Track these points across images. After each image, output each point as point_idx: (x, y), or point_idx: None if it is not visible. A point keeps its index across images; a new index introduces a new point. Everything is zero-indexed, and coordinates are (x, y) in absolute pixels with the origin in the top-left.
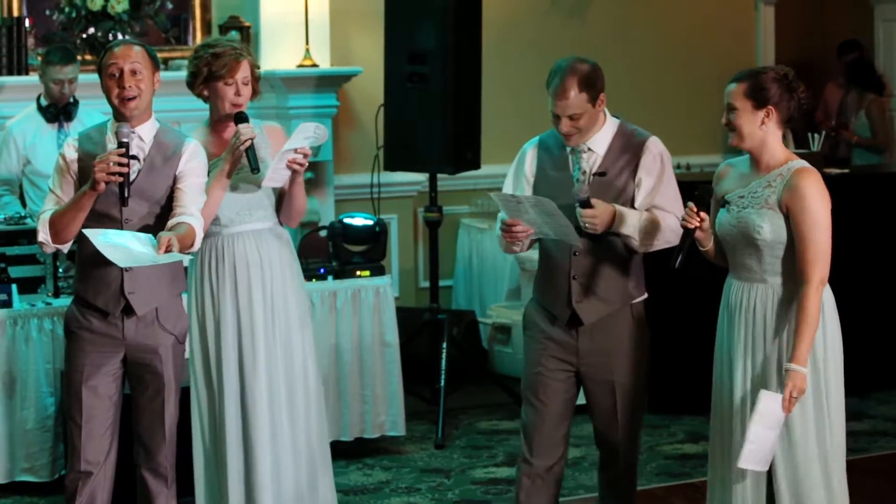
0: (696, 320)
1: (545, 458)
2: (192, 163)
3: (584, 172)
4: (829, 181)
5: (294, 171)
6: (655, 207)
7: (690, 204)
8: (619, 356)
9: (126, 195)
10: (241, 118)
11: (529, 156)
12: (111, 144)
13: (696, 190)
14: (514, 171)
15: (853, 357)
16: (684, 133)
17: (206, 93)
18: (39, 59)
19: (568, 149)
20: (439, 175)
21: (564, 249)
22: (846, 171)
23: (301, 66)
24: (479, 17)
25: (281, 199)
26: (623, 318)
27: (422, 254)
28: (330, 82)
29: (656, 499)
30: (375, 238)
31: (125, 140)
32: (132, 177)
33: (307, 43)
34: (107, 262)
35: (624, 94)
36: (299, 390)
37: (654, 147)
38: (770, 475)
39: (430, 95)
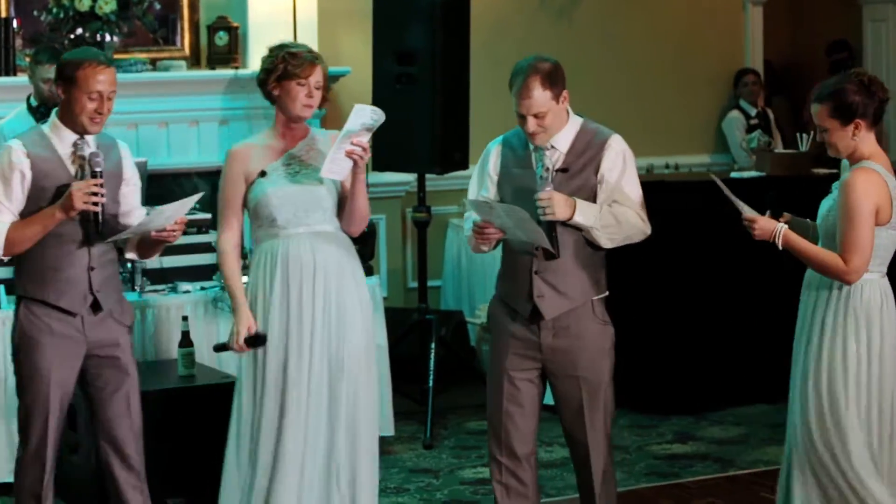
0: (684, 320)
1: (517, 454)
2: (133, 166)
3: (548, 169)
4: (818, 181)
5: (355, 163)
6: (617, 203)
7: (767, 213)
8: (582, 352)
9: (100, 226)
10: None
11: (493, 155)
12: (62, 149)
13: (766, 199)
14: (478, 171)
15: None
16: (672, 133)
17: (276, 91)
18: (28, 59)
19: (531, 147)
20: (427, 175)
21: (528, 245)
22: (835, 171)
23: None
24: (468, 17)
25: (342, 203)
26: (584, 314)
27: (410, 254)
28: None
29: (644, 499)
30: (364, 238)
31: (98, 169)
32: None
33: None
34: (71, 263)
35: (612, 94)
36: (346, 400)
37: (617, 144)
38: None
39: (419, 96)
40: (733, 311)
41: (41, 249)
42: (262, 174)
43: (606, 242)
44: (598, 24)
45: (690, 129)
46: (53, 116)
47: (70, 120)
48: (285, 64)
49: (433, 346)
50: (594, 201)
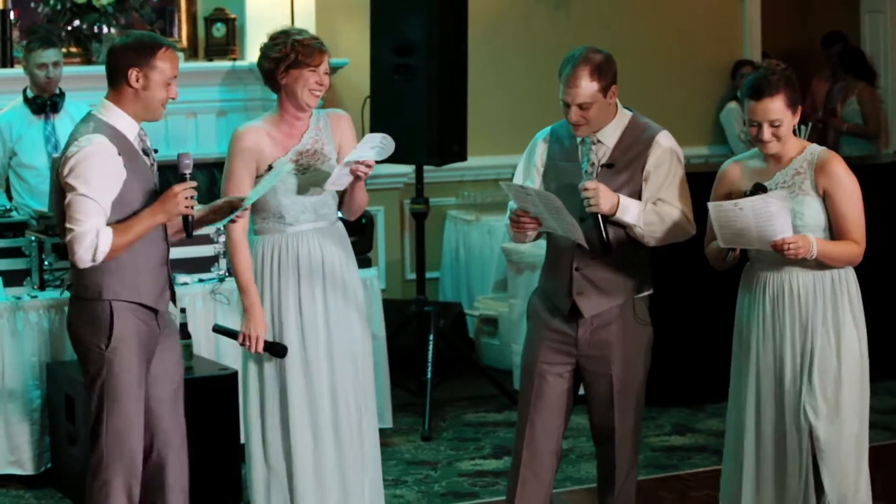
0: (681, 312)
1: (540, 448)
2: None
3: (593, 164)
4: None
5: (357, 178)
6: (662, 201)
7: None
8: (617, 350)
9: (191, 227)
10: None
11: (540, 146)
12: (133, 142)
13: (748, 191)
14: (524, 161)
15: None
16: (670, 124)
17: (284, 80)
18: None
19: (578, 139)
20: (426, 167)
21: (570, 240)
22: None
23: None
24: (466, 8)
25: (342, 195)
26: (624, 312)
27: (408, 246)
28: None
29: (643, 491)
30: (362, 230)
31: (188, 172)
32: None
33: None
34: (162, 262)
35: None
36: (356, 389)
37: (665, 141)
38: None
39: (417, 87)
40: (731, 302)
41: (142, 252)
42: (270, 168)
43: (649, 240)
44: (595, 15)
45: (688, 120)
46: (109, 104)
47: (138, 107)
48: (296, 53)
49: (431, 337)
50: (639, 198)
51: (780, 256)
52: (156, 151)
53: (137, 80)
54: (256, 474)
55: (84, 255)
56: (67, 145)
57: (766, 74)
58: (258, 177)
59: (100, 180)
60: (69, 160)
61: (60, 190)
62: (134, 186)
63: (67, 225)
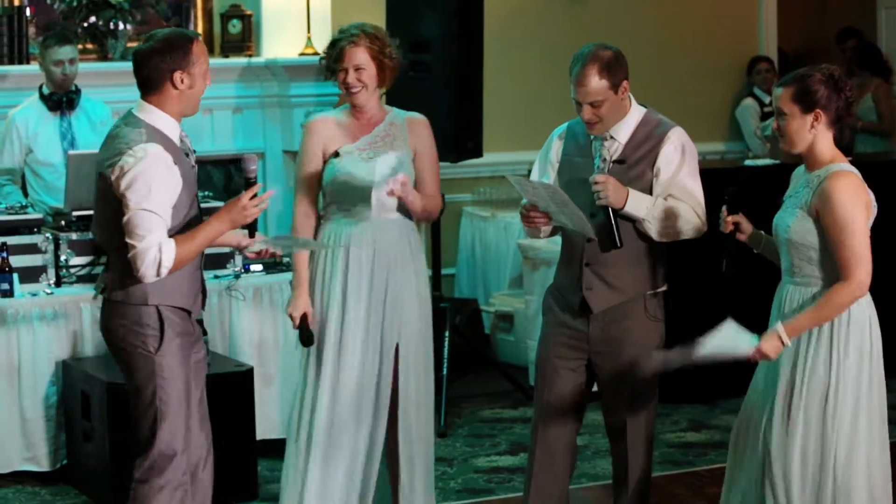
0: (696, 309)
1: (554, 444)
2: None
3: (605, 160)
4: None
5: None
6: (673, 197)
7: (724, 208)
8: (628, 346)
9: (255, 230)
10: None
11: (556, 142)
12: (178, 145)
13: (726, 194)
14: (540, 157)
15: None
16: (686, 120)
17: (334, 80)
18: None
19: (592, 136)
20: (441, 163)
21: (580, 235)
22: (849, 159)
23: (303, 54)
24: (481, 4)
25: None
26: (636, 308)
27: (424, 242)
28: None
29: (658, 487)
30: None
31: (252, 177)
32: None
33: (309, 31)
34: (198, 266)
35: None
36: (401, 387)
37: (676, 138)
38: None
39: (432, 84)
40: (746, 297)
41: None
42: (336, 155)
43: (655, 235)
44: (611, 12)
45: (705, 116)
46: (149, 107)
47: (182, 105)
48: (327, 60)
49: (447, 334)
50: (650, 194)
51: (786, 274)
52: (194, 152)
53: (183, 82)
54: (287, 450)
55: (148, 272)
56: (116, 151)
57: (801, 69)
58: (324, 162)
59: (160, 193)
60: (127, 173)
61: (109, 197)
62: (183, 192)
63: (129, 241)
